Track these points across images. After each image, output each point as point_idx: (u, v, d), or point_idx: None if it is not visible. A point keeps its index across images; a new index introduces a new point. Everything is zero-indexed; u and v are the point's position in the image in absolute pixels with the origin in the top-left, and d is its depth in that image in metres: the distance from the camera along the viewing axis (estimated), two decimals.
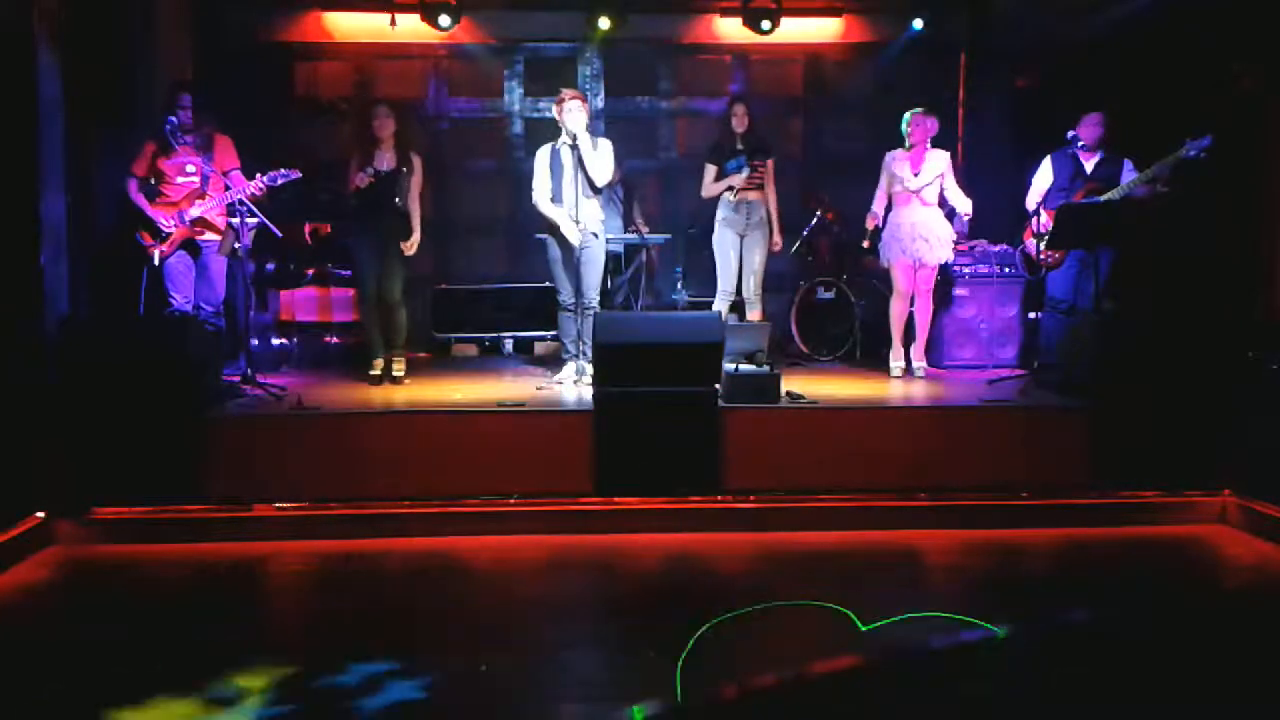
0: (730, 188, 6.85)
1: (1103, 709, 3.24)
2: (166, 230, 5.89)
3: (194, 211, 5.92)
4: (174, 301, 5.96)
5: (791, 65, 9.46)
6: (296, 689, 3.36)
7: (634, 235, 7.69)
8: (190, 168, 5.96)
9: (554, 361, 6.68)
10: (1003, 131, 8.66)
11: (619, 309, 7.61)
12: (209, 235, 6.04)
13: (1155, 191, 6.04)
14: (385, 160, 6.32)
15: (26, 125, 5.28)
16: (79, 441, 5.11)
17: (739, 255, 6.95)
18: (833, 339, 7.84)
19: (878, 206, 6.74)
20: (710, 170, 6.94)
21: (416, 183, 6.36)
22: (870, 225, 6.75)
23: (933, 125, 6.62)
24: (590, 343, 5.91)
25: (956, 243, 7.46)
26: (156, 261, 5.89)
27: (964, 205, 6.63)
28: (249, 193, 5.86)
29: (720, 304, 6.95)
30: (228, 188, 5.96)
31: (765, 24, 8.36)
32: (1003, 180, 7.87)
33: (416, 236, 6.35)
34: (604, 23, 8.40)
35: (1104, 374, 5.51)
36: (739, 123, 6.88)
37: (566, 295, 6.44)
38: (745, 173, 6.81)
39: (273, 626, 4.22)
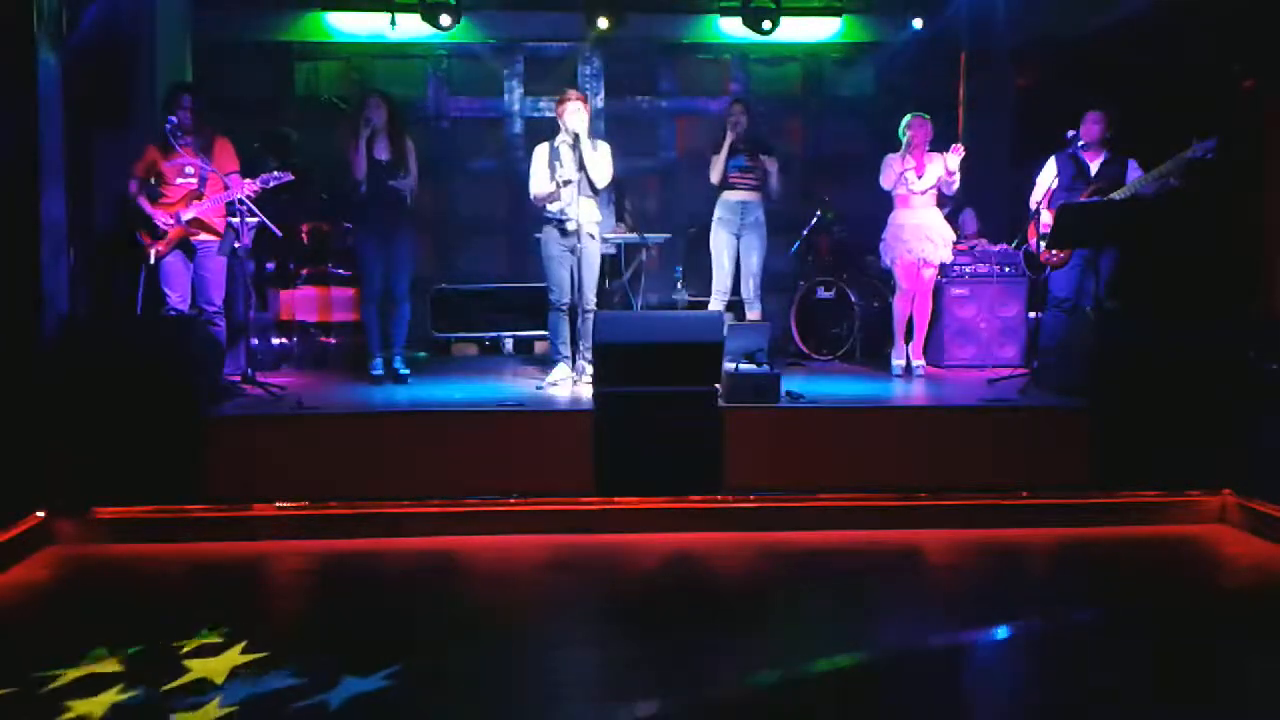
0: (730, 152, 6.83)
1: (1103, 708, 3.25)
2: (164, 228, 5.89)
3: (190, 213, 5.91)
4: (170, 300, 5.95)
5: (791, 65, 9.47)
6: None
7: (633, 235, 7.69)
8: (189, 169, 5.94)
9: (552, 362, 6.66)
10: (1003, 131, 8.66)
11: (618, 309, 7.61)
12: (205, 236, 6.02)
13: (1163, 189, 6.04)
14: (382, 151, 6.32)
15: (26, 125, 5.27)
16: (79, 441, 5.10)
17: (734, 255, 6.95)
18: (833, 339, 7.84)
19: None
20: (715, 158, 6.94)
21: (413, 165, 6.39)
22: None
23: (930, 128, 6.64)
24: (590, 343, 5.90)
25: (958, 241, 7.48)
26: (153, 260, 5.88)
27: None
28: (244, 193, 5.87)
29: (716, 304, 6.94)
30: (226, 188, 5.95)
31: (765, 24, 8.38)
32: (1003, 180, 7.87)
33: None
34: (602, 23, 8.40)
35: (1104, 374, 5.51)
36: (738, 122, 6.89)
37: (559, 294, 6.42)
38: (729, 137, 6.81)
39: (271, 626, 4.21)
